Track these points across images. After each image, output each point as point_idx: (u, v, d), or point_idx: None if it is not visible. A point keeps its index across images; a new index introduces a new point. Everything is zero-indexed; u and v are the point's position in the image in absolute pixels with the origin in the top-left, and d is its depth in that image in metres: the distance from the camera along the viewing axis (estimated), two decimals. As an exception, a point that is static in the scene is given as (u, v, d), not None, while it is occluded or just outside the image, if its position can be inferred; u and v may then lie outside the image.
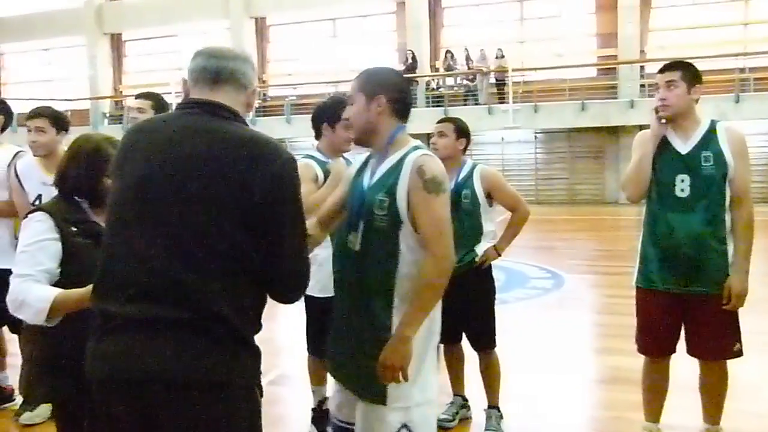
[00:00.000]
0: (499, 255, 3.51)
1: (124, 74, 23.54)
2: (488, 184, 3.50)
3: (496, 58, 17.53)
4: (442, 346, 3.57)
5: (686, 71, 2.99)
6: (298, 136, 19.51)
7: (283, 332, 5.98)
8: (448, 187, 2.17)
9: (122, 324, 1.64)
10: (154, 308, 1.62)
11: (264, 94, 21.45)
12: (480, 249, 3.47)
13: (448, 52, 18.50)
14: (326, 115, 3.44)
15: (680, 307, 3.03)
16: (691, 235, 2.95)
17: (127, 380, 1.62)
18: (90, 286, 1.94)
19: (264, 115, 20.07)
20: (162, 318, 1.61)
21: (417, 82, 18.37)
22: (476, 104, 17.49)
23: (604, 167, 17.48)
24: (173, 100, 17.43)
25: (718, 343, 3.03)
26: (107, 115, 22.19)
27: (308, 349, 3.59)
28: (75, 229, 2.21)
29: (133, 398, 1.62)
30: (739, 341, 3.04)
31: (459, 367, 3.73)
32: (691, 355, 3.11)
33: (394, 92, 2.22)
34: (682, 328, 3.09)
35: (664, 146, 3.04)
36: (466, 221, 3.43)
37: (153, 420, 1.62)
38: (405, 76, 15.13)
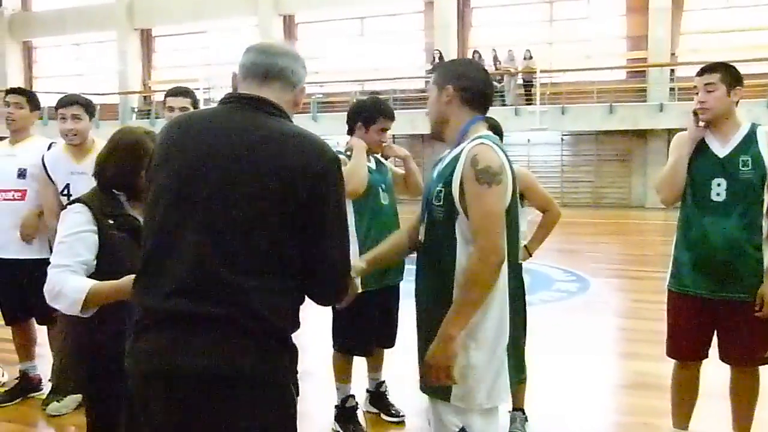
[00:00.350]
0: (530, 255, 3.49)
1: (153, 69, 23.84)
2: (522, 184, 3.47)
3: (524, 59, 17.43)
4: None
5: (725, 73, 2.93)
6: (324, 134, 19.36)
7: (306, 328, 6.01)
8: (504, 179, 2.06)
9: (162, 320, 1.65)
10: (194, 304, 1.61)
11: (291, 92, 21.57)
12: None
13: (475, 52, 18.43)
14: (363, 114, 3.46)
15: (712, 312, 2.98)
16: (725, 240, 2.90)
17: (167, 376, 1.63)
18: (126, 279, 1.98)
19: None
20: (202, 314, 1.61)
21: (443, 81, 18.31)
22: (503, 105, 17.39)
23: (631, 171, 17.29)
24: (201, 96, 17.63)
25: (749, 349, 2.98)
26: (135, 109, 22.49)
27: (334, 345, 3.60)
28: (112, 222, 2.22)
29: (171, 393, 1.63)
30: (763, 352, 2.98)
31: None
32: (723, 361, 3.07)
33: (464, 81, 2.18)
34: (715, 334, 3.05)
35: (701, 149, 2.99)
36: None
37: (191, 415, 1.63)
38: (430, 76, 15.13)
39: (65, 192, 3.71)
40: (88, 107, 3.77)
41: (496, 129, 3.49)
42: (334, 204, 1.71)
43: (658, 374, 3.40)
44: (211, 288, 1.62)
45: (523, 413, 3.52)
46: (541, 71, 17.19)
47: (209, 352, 1.60)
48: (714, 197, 2.93)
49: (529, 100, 17.37)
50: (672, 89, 16.51)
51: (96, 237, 2.18)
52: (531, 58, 17.41)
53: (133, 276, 1.95)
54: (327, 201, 1.69)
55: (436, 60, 18.27)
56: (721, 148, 2.97)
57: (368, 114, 3.45)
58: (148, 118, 21.02)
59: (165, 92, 3.77)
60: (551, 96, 17.07)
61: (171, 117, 3.57)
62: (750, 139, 2.94)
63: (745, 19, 16.92)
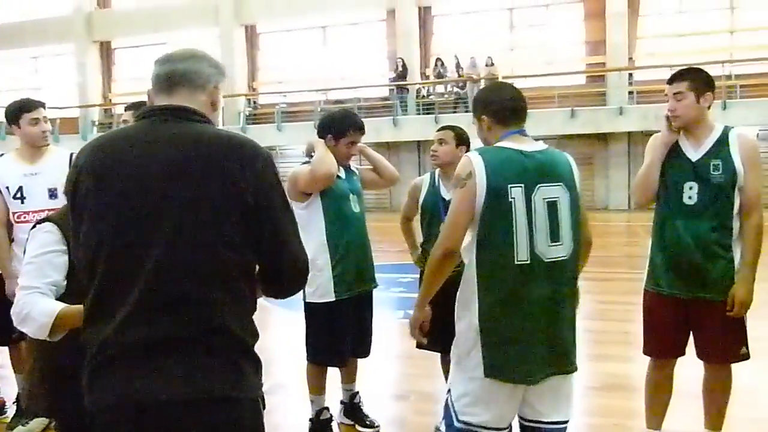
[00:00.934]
0: None
1: (114, 82, 23.48)
2: None
3: (486, 65, 17.62)
4: (438, 355, 3.58)
5: (694, 80, 2.98)
6: (288, 144, 19.50)
7: (276, 341, 5.97)
8: (468, 183, 2.24)
9: (121, 351, 1.59)
10: (155, 329, 1.57)
11: (254, 102, 21.46)
12: None
13: (438, 59, 18.59)
14: (333, 128, 3.46)
15: (687, 312, 3.06)
16: (697, 242, 2.96)
17: (136, 406, 1.58)
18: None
19: (255, 123, 20.06)
20: (164, 338, 1.57)
21: (407, 89, 18.43)
22: (466, 111, 17.52)
23: (593, 174, 17.58)
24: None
25: (724, 347, 3.05)
26: (96, 123, 22.10)
27: (308, 357, 3.58)
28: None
29: (140, 422, 1.59)
30: (746, 345, 3.06)
31: None
32: (700, 358, 3.13)
33: (493, 105, 2.39)
34: (691, 332, 3.12)
35: (675, 152, 3.05)
36: None
37: None
38: (394, 84, 15.00)
39: (18, 195, 3.62)
40: None
41: (463, 138, 3.53)
42: (280, 198, 1.72)
43: (628, 375, 3.45)
44: (171, 308, 1.57)
45: None
46: (503, 77, 17.38)
47: (178, 377, 1.56)
48: (686, 200, 2.99)
49: (492, 105, 17.53)
50: (631, 93, 16.85)
51: (66, 257, 2.12)
52: (493, 64, 17.61)
53: None
54: (274, 197, 1.69)
55: (399, 68, 18.38)
56: (693, 152, 3.01)
57: (339, 127, 3.45)
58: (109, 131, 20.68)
59: (126, 105, 3.71)
60: (514, 101, 17.24)
61: None
62: (722, 143, 2.98)
63: (698, 23, 17.39)
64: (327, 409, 3.65)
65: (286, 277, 1.76)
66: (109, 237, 1.62)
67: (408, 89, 18.46)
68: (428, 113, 18.02)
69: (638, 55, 17.88)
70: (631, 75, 17.29)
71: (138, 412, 1.58)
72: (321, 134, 3.50)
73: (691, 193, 2.98)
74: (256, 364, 1.73)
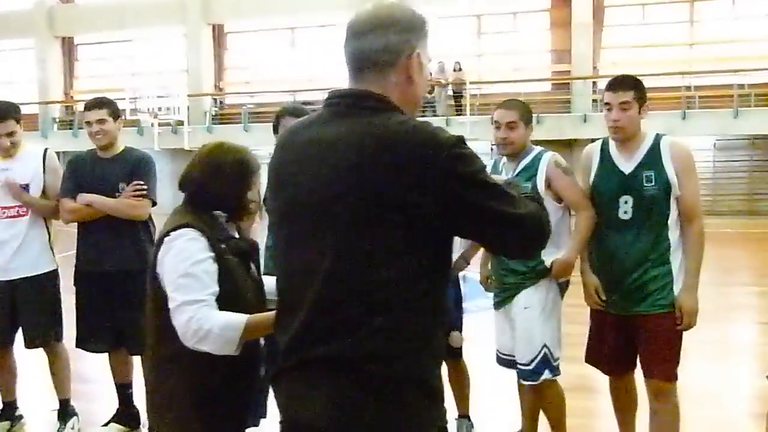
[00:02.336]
0: (468, 264, 3.53)
1: (76, 79, 23.02)
2: None
3: (454, 70, 17.78)
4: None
5: (638, 91, 2.84)
6: (256, 145, 19.34)
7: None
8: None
9: (289, 366, 1.49)
10: (316, 348, 1.43)
11: (221, 102, 21.27)
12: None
13: (406, 64, 18.65)
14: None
15: (629, 329, 2.91)
16: (634, 258, 2.84)
17: (289, 424, 1.53)
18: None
19: (221, 123, 19.88)
20: (320, 359, 1.42)
21: (375, 92, 18.47)
22: (434, 116, 17.65)
23: (557, 180, 17.84)
24: (127, 106, 17.14)
25: (670, 363, 2.88)
26: (57, 120, 21.64)
27: None
28: (225, 247, 2.00)
29: None
30: (676, 366, 2.89)
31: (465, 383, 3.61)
32: (646, 377, 2.95)
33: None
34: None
35: (608, 166, 2.93)
36: None
37: None
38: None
39: None
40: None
41: None
42: (479, 188, 1.42)
43: (594, 377, 3.50)
44: (335, 328, 1.41)
45: (469, 420, 3.58)
46: (471, 83, 17.57)
47: (329, 406, 1.42)
48: (621, 215, 2.86)
49: (459, 110, 17.72)
50: (595, 101, 17.18)
51: (216, 265, 1.95)
52: (461, 69, 17.77)
53: None
54: (468, 194, 1.40)
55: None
56: (626, 164, 2.88)
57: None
58: (70, 128, 20.28)
59: (85, 103, 3.66)
60: (481, 107, 17.45)
61: (91, 131, 3.52)
62: (653, 152, 2.84)
63: (660, 35, 17.82)
64: None
65: (521, 247, 1.54)
66: (280, 242, 1.59)
67: (376, 92, 18.51)
68: (396, 117, 18.05)
69: (602, 64, 18.24)
70: (595, 83, 17.63)
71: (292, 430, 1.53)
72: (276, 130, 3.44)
73: (626, 207, 2.84)
74: (430, 396, 1.48)
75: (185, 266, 1.91)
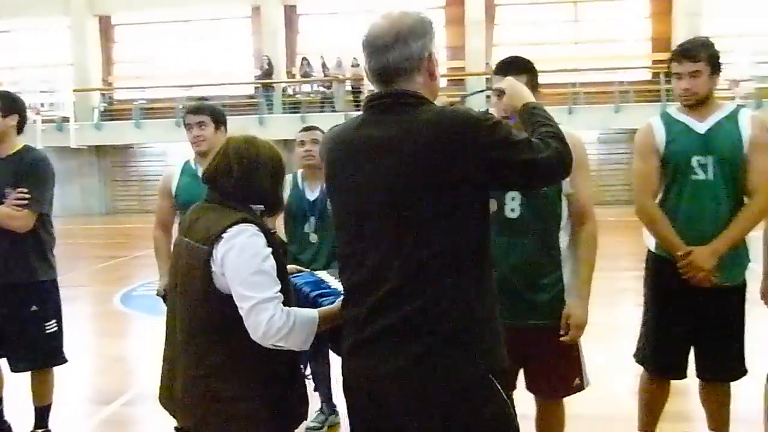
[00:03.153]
0: None
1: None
2: None
3: (352, 66, 17.82)
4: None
5: (530, 76, 2.66)
6: (148, 142, 18.67)
7: (137, 350, 5.72)
8: None
9: (368, 335, 1.70)
10: (393, 314, 1.66)
11: (110, 97, 20.32)
12: None
13: (304, 58, 18.56)
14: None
15: (520, 340, 2.43)
16: (523, 261, 2.54)
17: (369, 395, 1.74)
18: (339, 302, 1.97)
19: (110, 119, 18.97)
20: (401, 321, 1.66)
21: (273, 88, 18.26)
22: (333, 111, 17.67)
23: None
24: None
25: (557, 378, 2.67)
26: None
27: None
28: (272, 240, 2.00)
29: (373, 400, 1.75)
30: (581, 375, 2.70)
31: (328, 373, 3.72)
32: (530, 391, 2.76)
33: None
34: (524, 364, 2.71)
35: None
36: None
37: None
38: (259, 82, 14.78)
39: None
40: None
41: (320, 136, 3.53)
42: (510, 147, 1.66)
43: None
44: (412, 294, 1.65)
45: None
46: (368, 78, 17.67)
47: (409, 360, 1.66)
48: (509, 214, 2.55)
49: (358, 106, 17.79)
50: (488, 97, 17.67)
51: (275, 261, 1.94)
52: (358, 65, 17.82)
53: None
54: (503, 154, 1.65)
55: (265, 66, 18.16)
56: None
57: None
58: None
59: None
60: (379, 102, 17.60)
61: None
62: None
63: (548, 33, 18.65)
64: None
65: (547, 174, 1.77)
66: (349, 228, 1.78)
67: (274, 88, 18.29)
68: (294, 112, 17.94)
69: (495, 61, 18.76)
70: (488, 80, 18.16)
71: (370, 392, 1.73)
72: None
73: (513, 204, 2.54)
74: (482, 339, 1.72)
75: (256, 263, 1.88)
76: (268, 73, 18.13)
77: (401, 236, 1.66)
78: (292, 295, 2.03)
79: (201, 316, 1.96)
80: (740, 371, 2.95)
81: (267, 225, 2.03)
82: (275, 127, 17.53)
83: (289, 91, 18.95)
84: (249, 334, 1.86)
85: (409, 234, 1.65)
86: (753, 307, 2.97)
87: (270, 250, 1.92)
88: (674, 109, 2.95)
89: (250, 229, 1.92)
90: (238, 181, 2.01)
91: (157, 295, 3.42)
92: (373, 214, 1.70)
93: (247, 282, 1.86)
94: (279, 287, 1.89)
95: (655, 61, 17.77)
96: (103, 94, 19.97)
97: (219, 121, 3.32)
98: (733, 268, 2.85)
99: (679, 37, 14.58)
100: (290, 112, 18.10)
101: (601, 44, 18.68)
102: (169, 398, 2.09)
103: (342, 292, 1.96)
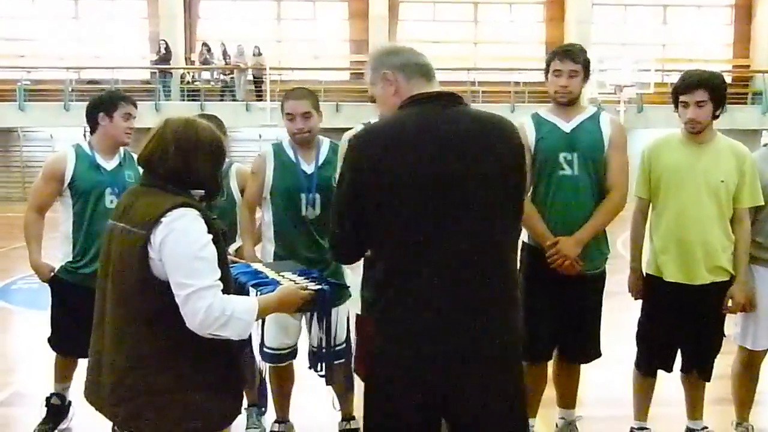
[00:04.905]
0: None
1: None
2: (244, 182, 3.45)
3: (254, 55, 17.53)
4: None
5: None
6: (33, 126, 17.55)
7: (15, 346, 5.41)
8: None
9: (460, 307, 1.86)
10: (481, 288, 1.87)
11: (-11, 76, 18.92)
12: None
13: (204, 45, 18.04)
14: (102, 104, 3.30)
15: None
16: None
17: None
18: (287, 289, 2.04)
19: (-11, 100, 17.66)
20: (478, 301, 1.87)
21: (171, 74, 17.63)
22: (234, 100, 17.31)
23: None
24: None
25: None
26: None
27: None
28: (213, 227, 1.91)
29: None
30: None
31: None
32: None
33: None
34: None
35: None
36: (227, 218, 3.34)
37: None
38: (156, 66, 14.25)
39: None
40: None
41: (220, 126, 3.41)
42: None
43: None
44: (494, 268, 1.89)
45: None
46: (271, 68, 17.45)
47: (496, 321, 1.89)
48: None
49: (259, 96, 17.53)
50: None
51: (215, 247, 1.87)
52: (260, 54, 17.57)
53: (292, 286, 2.07)
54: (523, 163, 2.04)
55: (162, 51, 17.49)
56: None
57: (109, 101, 3.29)
58: None
59: None
60: (281, 93, 17.36)
61: None
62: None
63: (448, 32, 19.10)
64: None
65: None
66: (431, 225, 1.85)
67: (172, 74, 17.66)
68: (193, 100, 17.42)
69: (397, 56, 19.07)
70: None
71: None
72: (90, 118, 3.27)
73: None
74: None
75: (195, 249, 1.81)
76: (165, 58, 17.47)
77: (488, 223, 1.87)
78: (231, 284, 1.99)
79: (136, 304, 1.88)
80: (596, 353, 3.22)
81: (206, 210, 1.97)
82: (173, 115, 16.94)
83: (188, 78, 18.35)
84: (185, 323, 1.81)
85: (496, 221, 1.89)
86: (611, 296, 3.22)
87: (210, 236, 1.87)
88: (544, 110, 3.17)
89: (191, 213, 1.86)
90: (176, 165, 1.93)
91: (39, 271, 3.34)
92: (464, 201, 1.85)
93: (185, 268, 1.80)
94: (218, 275, 1.84)
95: (548, 64, 18.57)
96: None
97: (317, 109, 3.26)
98: (594, 259, 3.10)
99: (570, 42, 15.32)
100: (189, 100, 17.55)
101: (498, 45, 19.32)
102: (94, 393, 1.99)
103: (280, 282, 2.06)
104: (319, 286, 2.15)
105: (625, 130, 3.14)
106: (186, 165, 1.94)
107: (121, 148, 3.39)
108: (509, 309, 1.92)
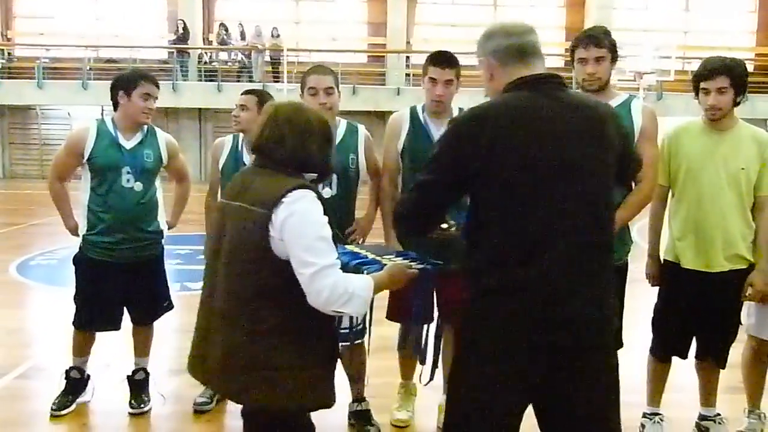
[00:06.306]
0: None
1: None
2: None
3: (272, 36, 17.48)
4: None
5: (459, 69, 3.04)
6: (51, 104, 17.67)
7: (33, 321, 5.48)
8: None
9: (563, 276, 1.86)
10: (588, 263, 1.89)
11: (9, 54, 19.04)
12: None
13: (222, 25, 18.01)
14: (122, 82, 3.35)
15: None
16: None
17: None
18: (396, 267, 2.06)
19: (9, 77, 17.79)
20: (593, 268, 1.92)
21: (188, 54, 17.65)
22: (250, 81, 17.29)
23: (372, 150, 18.38)
24: None
25: None
26: None
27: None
28: (324, 210, 1.97)
29: None
30: None
31: None
32: None
33: None
34: None
35: (422, 135, 3.12)
36: None
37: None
38: (174, 47, 14.28)
39: None
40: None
41: (263, 104, 3.46)
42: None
43: (392, 337, 3.69)
44: (603, 241, 1.94)
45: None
46: (288, 50, 17.41)
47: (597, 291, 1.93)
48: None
49: (276, 77, 17.50)
50: (408, 75, 17.86)
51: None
52: (278, 36, 17.51)
53: (400, 263, 2.09)
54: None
55: (180, 31, 17.49)
56: (437, 134, 3.05)
57: (128, 80, 3.32)
58: None
59: None
60: (298, 74, 17.37)
61: None
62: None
63: (467, 15, 18.89)
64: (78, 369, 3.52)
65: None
66: (545, 201, 1.86)
67: (189, 54, 17.67)
68: (210, 80, 17.43)
69: (415, 39, 18.95)
70: (408, 58, 18.29)
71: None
72: (112, 95, 3.32)
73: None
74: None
75: (317, 229, 1.88)
76: (183, 38, 17.48)
77: (596, 197, 1.91)
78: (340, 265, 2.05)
79: (253, 280, 1.92)
80: (618, 344, 3.14)
81: (320, 193, 2.02)
82: (190, 95, 17.01)
83: (205, 58, 18.35)
84: (303, 300, 1.87)
85: (601, 196, 1.93)
86: (634, 285, 3.15)
87: (327, 218, 1.94)
88: None
89: (310, 195, 1.92)
90: (294, 152, 1.99)
91: (73, 234, 3.45)
92: (580, 189, 1.87)
93: (309, 248, 1.85)
94: (336, 254, 1.91)
95: (567, 50, 18.35)
96: (2, 50, 18.69)
97: (338, 87, 3.29)
98: (618, 249, 3.03)
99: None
100: (206, 80, 17.57)
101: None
102: (199, 367, 2.06)
103: (382, 263, 2.11)
104: (422, 266, 2.18)
105: (656, 118, 3.02)
106: (303, 150, 2.00)
107: (145, 126, 3.41)
108: (613, 298, 1.98)
